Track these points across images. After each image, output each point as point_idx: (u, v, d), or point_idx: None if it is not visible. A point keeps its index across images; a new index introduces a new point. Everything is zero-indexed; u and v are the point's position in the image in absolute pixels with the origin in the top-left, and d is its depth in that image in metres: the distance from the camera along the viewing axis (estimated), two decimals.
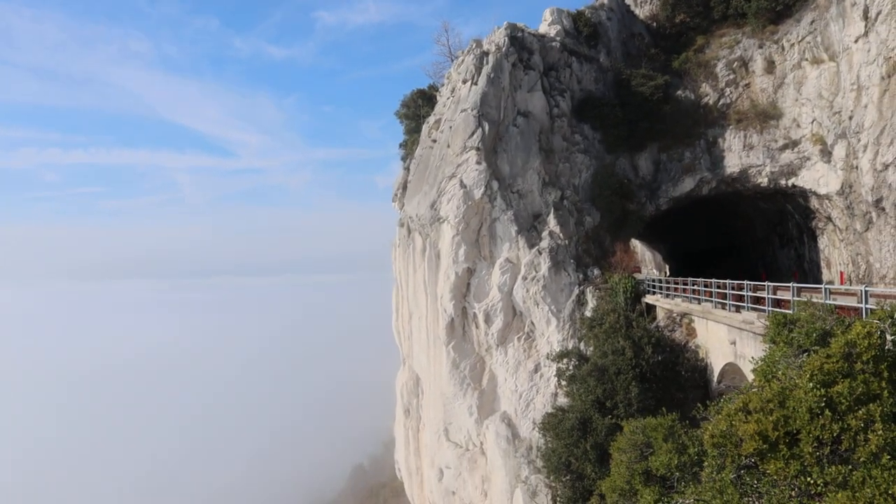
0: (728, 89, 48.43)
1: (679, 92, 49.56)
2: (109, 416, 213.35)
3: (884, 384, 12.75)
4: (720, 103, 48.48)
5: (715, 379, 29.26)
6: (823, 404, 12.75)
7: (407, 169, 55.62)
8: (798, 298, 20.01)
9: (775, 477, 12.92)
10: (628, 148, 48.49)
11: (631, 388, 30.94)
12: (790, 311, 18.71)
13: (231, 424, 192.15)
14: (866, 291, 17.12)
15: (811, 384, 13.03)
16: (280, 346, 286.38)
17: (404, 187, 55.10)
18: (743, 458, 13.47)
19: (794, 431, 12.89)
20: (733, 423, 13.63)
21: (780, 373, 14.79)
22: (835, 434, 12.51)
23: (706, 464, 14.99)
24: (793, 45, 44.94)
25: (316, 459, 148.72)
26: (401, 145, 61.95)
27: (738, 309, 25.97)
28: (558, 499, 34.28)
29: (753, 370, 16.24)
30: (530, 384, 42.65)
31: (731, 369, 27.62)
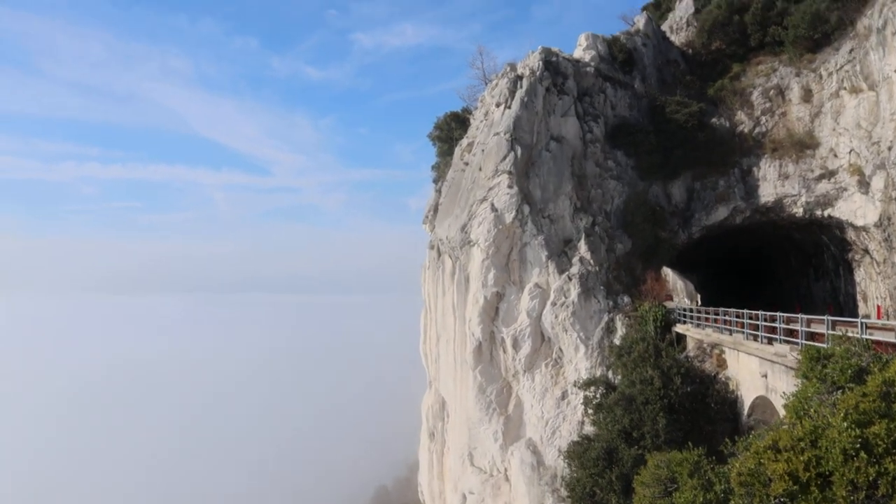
0: (764, 117, 47.89)
1: (714, 119, 49.11)
2: (135, 428, 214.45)
3: None
4: (756, 132, 47.94)
5: (745, 412, 28.63)
6: (859, 446, 12.17)
7: (438, 191, 55.59)
8: (833, 332, 19.48)
9: None
10: (662, 175, 48.02)
11: (658, 419, 30.36)
12: (824, 346, 18.20)
13: (259, 441, 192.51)
14: None
15: (845, 423, 12.49)
16: (309, 364, 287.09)
17: (435, 210, 55.04)
18: (772, 498, 12.95)
19: (827, 473, 12.36)
20: (762, 461, 13.13)
21: (812, 410, 14.29)
22: (871, 478, 11.90)
23: (732, 502, 14.49)
24: (831, 73, 44.40)
25: (340, 479, 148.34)
26: (433, 168, 61.98)
27: (770, 341, 25.40)
28: None
29: (785, 406, 15.75)
30: (557, 411, 42.15)
31: (761, 403, 27.02)
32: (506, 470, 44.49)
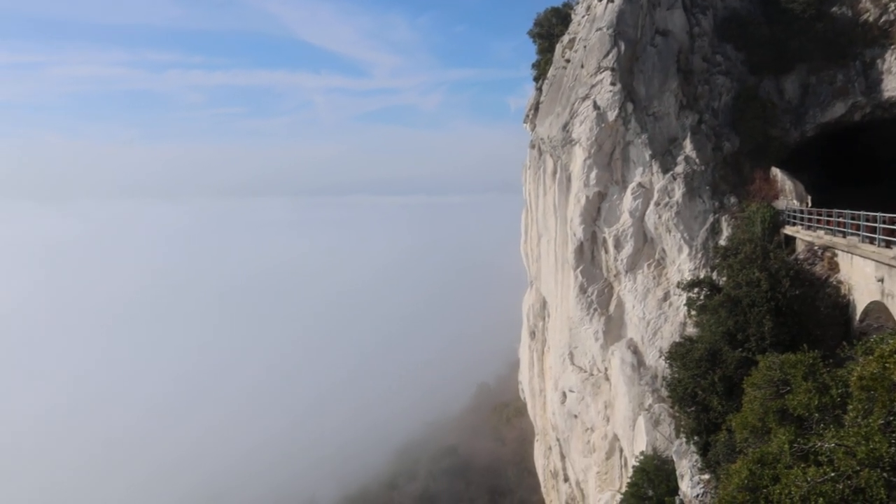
0: (893, 4, 44.70)
1: (835, 9, 46.11)
2: (242, 325, 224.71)
3: None
4: (882, 20, 44.86)
5: (857, 317, 27.80)
6: None
7: (539, 90, 54.62)
8: None
9: None
10: (774, 69, 45.71)
11: (765, 322, 29.77)
12: None
13: (359, 339, 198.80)
14: None
15: None
16: (409, 265, 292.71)
17: (536, 108, 54.24)
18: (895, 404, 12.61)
19: None
20: (887, 365, 12.74)
21: None
22: None
23: (851, 407, 14.16)
24: None
25: (442, 376, 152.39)
26: (533, 66, 60.70)
27: (888, 244, 24.37)
28: (682, 429, 33.74)
29: None
30: (658, 312, 41.91)
31: (876, 308, 26.15)
32: (606, 369, 44.80)
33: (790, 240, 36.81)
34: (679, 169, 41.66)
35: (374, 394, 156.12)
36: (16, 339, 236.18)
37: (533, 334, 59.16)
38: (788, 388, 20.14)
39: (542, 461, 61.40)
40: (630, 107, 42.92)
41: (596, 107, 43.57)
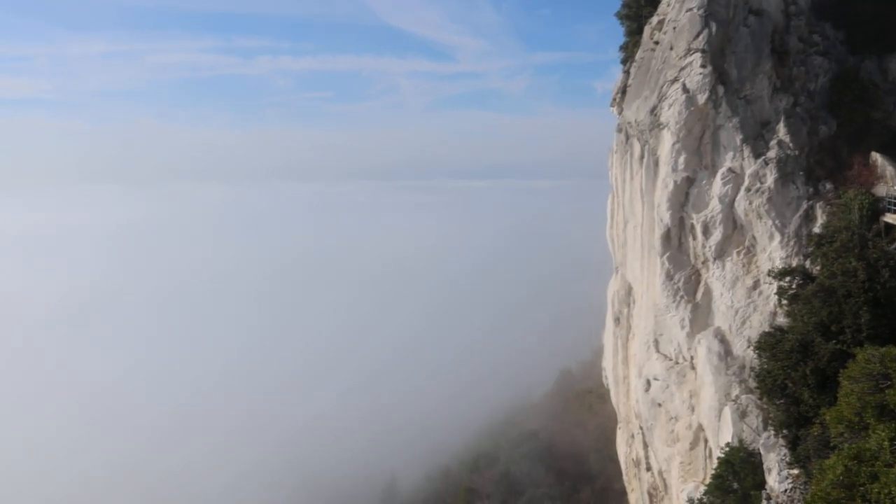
0: None
1: None
2: (344, 308, 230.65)
3: None
4: None
5: None
6: None
7: (627, 73, 53.67)
8: None
9: None
10: (876, 49, 43.72)
11: (861, 314, 28.71)
12: None
13: (441, 322, 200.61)
14: None
15: None
16: (494, 250, 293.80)
17: (623, 92, 53.34)
18: None
19: None
20: None
21: None
22: None
23: None
24: None
25: (524, 361, 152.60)
26: (621, 48, 59.55)
27: None
28: (770, 422, 32.93)
29: None
30: (748, 301, 40.84)
31: None
32: (692, 358, 43.96)
33: (890, 228, 35.29)
34: (772, 154, 40.35)
35: (458, 379, 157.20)
36: (114, 314, 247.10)
37: (617, 321, 58.42)
38: (889, 382, 19.37)
39: (625, 449, 60.72)
40: (721, 90, 41.75)
41: (685, 90, 42.55)
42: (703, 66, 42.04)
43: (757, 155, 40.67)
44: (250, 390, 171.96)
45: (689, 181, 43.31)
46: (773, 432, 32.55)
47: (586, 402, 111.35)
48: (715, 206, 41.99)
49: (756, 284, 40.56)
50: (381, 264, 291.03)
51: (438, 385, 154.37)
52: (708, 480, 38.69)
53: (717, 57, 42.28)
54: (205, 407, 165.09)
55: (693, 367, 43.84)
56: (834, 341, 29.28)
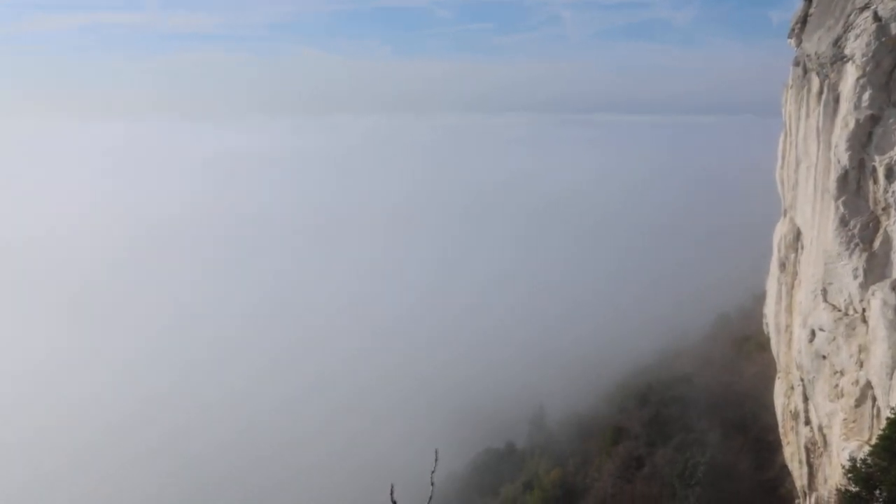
0: None
1: None
2: (488, 240, 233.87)
3: None
4: None
5: None
6: None
7: (808, 1, 50.00)
8: None
9: None
10: None
11: None
12: None
13: (600, 258, 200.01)
14: None
15: None
16: (654, 184, 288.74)
17: (803, 22, 49.69)
18: None
19: None
20: None
21: None
22: None
23: None
24: None
25: (679, 302, 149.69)
26: None
27: None
28: None
29: None
30: None
31: None
32: (863, 310, 41.23)
33: None
34: None
35: (608, 314, 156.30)
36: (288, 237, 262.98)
37: (783, 266, 55.63)
38: None
39: (782, 400, 58.28)
40: None
41: (877, 18, 39.00)
42: None
43: None
44: (430, 316, 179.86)
45: (874, 120, 40.01)
46: None
47: (745, 349, 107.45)
48: None
49: None
50: (544, 197, 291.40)
51: (591, 321, 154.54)
52: (874, 441, 36.49)
53: None
54: (396, 329, 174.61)
55: (864, 321, 41.12)
56: None
